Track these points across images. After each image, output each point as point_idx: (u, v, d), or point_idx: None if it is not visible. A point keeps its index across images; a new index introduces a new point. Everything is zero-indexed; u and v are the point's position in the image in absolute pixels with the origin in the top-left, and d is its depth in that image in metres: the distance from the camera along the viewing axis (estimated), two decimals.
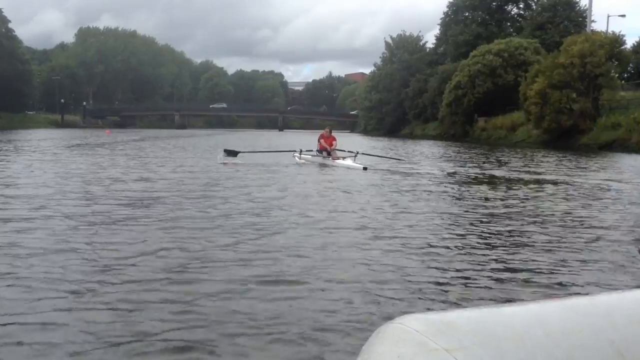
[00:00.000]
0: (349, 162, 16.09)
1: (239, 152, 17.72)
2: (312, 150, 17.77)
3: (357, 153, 17.16)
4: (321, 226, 6.81)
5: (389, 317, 0.98)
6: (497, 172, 15.71)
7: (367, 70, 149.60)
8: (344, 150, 17.56)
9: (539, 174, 15.33)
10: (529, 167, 17.96)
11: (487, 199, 9.85)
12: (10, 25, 79.41)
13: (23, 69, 79.63)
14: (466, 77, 47.62)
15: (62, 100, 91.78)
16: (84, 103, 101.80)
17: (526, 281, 4.56)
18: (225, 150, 17.69)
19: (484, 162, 19.80)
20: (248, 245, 5.68)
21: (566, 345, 0.88)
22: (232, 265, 4.85)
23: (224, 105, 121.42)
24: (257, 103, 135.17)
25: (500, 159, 22.14)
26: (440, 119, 53.71)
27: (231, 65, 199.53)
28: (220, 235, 6.15)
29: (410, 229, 6.70)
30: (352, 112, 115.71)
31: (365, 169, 14.85)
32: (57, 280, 4.35)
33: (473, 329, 0.87)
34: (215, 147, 28.34)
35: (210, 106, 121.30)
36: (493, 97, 46.40)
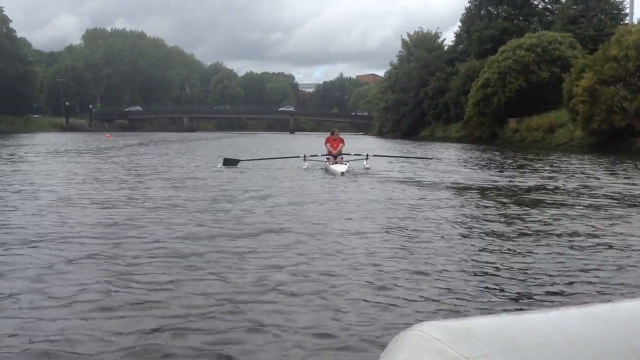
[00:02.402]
0: (342, 166, 14.77)
1: (240, 160, 17.31)
2: (317, 155, 16.81)
3: (368, 156, 16.50)
4: (336, 234, 6.51)
5: (408, 325, 0.93)
6: (568, 183, 12.07)
7: (379, 72, 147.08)
8: (350, 154, 16.67)
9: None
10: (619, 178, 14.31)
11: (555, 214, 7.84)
12: (11, 25, 76.50)
13: (25, 70, 76.62)
14: (495, 74, 43.67)
15: (67, 103, 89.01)
16: (90, 106, 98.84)
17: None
18: (224, 159, 17.16)
19: (540, 169, 16.15)
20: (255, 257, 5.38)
21: (588, 352, 0.87)
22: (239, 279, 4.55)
23: (139, 108, 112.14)
24: (267, 105, 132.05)
25: (561, 165, 18.41)
26: (466, 120, 49.79)
27: (243, 68, 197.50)
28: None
29: (433, 236, 6.45)
30: (361, 114, 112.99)
31: (342, 173, 13.86)
32: None
33: (494, 336, 0.86)
34: (218, 152, 25.00)
35: (126, 109, 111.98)
36: (525, 96, 42.51)
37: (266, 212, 8.14)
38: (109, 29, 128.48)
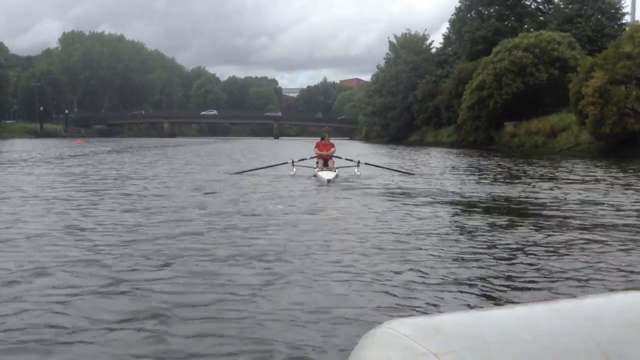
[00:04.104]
0: (330, 174, 13.81)
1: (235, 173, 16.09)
2: (305, 159, 15.87)
3: (360, 163, 15.79)
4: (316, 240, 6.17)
5: (378, 322, 0.93)
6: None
7: (363, 76, 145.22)
8: (342, 158, 15.77)
9: None
10: None
11: None
12: None
13: None
14: (491, 76, 41.39)
15: (41, 108, 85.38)
16: (66, 111, 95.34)
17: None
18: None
19: (566, 179, 13.74)
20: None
21: (554, 348, 0.89)
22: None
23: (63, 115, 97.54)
24: (250, 110, 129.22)
25: (590, 173, 15.98)
26: (459, 124, 47.48)
27: (227, 73, 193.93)
28: None
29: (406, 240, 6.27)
30: (341, 118, 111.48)
31: (329, 181, 12.98)
32: None
33: (461, 332, 0.87)
34: (198, 161, 22.42)
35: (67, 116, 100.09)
36: (522, 99, 40.32)
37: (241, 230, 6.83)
38: (87, 32, 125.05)
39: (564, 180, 14.14)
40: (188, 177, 15.00)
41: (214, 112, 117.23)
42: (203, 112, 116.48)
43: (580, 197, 10.50)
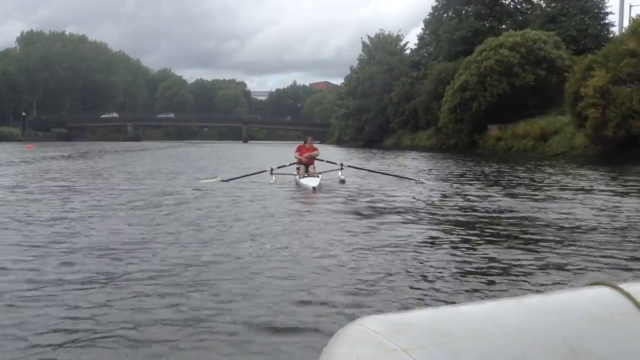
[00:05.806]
0: (314, 180, 12.86)
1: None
2: (285, 166, 14.64)
3: (343, 166, 15.25)
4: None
5: (350, 319, 0.95)
6: None
7: (332, 80, 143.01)
8: (323, 160, 15.03)
9: None
10: None
11: None
12: None
13: None
14: (474, 76, 39.30)
15: None
16: (24, 113, 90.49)
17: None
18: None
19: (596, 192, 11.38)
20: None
21: (520, 343, 0.90)
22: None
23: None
24: (218, 113, 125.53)
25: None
26: (440, 127, 45.26)
27: (195, 76, 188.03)
28: None
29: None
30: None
31: (314, 189, 12.06)
32: None
33: (430, 328, 0.89)
34: (158, 166, 19.52)
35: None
36: (507, 101, 38.33)
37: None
38: (47, 32, 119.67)
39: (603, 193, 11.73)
40: (149, 188, 12.16)
41: (114, 114, 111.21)
42: (102, 116, 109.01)
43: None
